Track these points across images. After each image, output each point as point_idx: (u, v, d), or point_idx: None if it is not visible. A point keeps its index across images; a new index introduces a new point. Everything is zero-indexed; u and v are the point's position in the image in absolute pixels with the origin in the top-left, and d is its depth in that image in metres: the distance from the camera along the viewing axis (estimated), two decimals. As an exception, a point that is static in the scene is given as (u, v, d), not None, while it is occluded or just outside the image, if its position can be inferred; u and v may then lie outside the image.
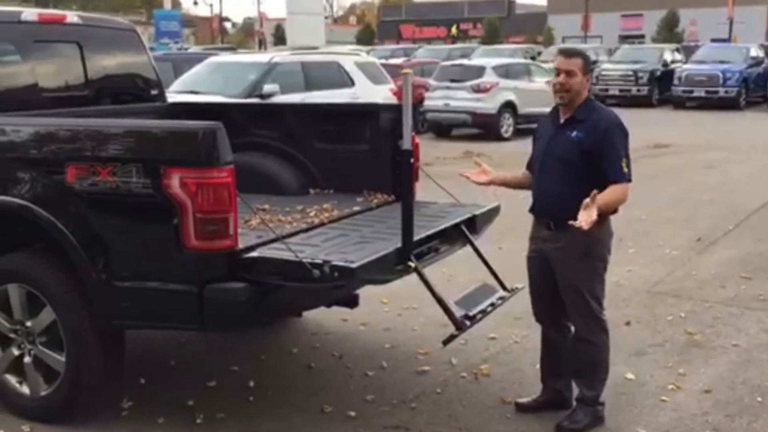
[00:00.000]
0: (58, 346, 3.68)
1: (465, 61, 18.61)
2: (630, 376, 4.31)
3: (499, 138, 16.10)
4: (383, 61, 17.30)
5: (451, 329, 3.63)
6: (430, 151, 14.03)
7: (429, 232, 3.84)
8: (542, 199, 3.70)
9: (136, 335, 4.43)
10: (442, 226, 3.98)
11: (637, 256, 6.77)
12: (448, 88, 16.64)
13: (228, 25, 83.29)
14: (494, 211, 4.50)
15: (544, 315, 3.82)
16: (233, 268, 3.33)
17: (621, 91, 23.50)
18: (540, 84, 17.55)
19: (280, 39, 46.20)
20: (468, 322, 3.58)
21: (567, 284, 3.62)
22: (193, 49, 24.96)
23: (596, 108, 3.63)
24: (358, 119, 4.82)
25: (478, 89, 16.37)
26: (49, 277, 3.63)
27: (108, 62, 4.99)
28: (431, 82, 16.95)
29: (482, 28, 51.37)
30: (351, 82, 11.54)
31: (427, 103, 16.65)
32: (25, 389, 3.82)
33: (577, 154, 3.54)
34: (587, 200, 3.31)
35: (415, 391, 4.16)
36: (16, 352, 3.81)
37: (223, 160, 3.31)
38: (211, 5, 61.25)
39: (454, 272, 5.50)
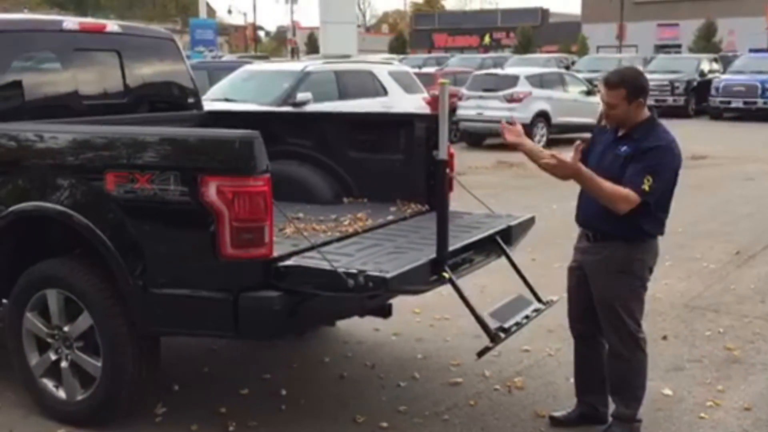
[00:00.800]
0: (95, 352, 3.71)
1: (498, 71, 18.57)
2: (667, 392, 4.24)
3: (533, 148, 15.98)
4: (416, 70, 17.29)
5: (485, 341, 3.60)
6: (462, 160, 13.99)
7: (464, 243, 3.82)
8: (585, 209, 3.64)
9: (170, 342, 4.46)
10: (477, 237, 3.95)
11: (674, 270, 6.67)
12: (480, 97, 16.61)
13: (261, 33, 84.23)
14: (529, 222, 4.47)
15: (580, 328, 3.77)
16: (268, 277, 3.34)
17: (656, 101, 23.19)
18: (574, 94, 17.46)
19: (312, 47, 46.50)
20: (502, 335, 3.54)
21: (602, 299, 3.57)
22: (227, 57, 25.22)
23: (654, 130, 3.49)
24: (392, 128, 4.82)
25: (511, 99, 16.32)
26: (86, 283, 3.66)
27: (146, 70, 5.05)
28: (464, 91, 16.92)
29: (515, 37, 51.15)
30: (384, 91, 11.55)
31: (460, 112, 16.63)
32: (62, 393, 3.85)
33: (619, 170, 3.44)
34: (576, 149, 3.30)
35: (447, 403, 4.13)
36: (53, 356, 3.85)
37: (260, 169, 3.33)
38: (245, 14, 61.81)
39: (487, 283, 5.47)
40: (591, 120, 16.68)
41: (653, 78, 23.83)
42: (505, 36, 56.32)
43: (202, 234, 3.35)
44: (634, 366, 3.61)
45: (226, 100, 9.97)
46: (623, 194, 3.35)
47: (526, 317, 3.75)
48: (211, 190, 3.30)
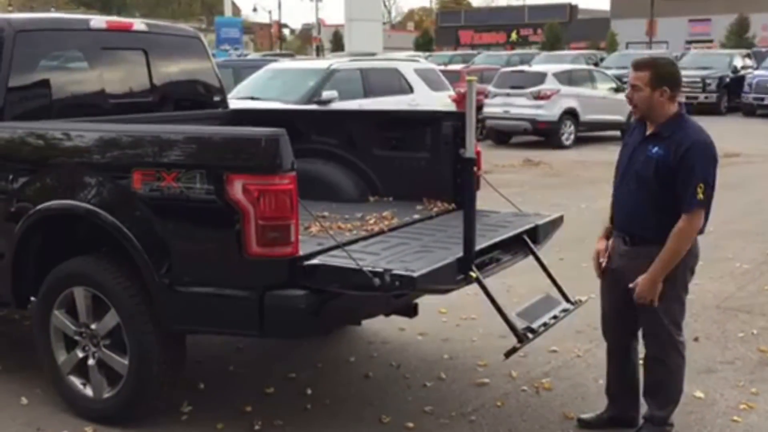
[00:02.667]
0: (122, 349, 3.71)
1: (525, 68, 18.40)
2: (699, 394, 4.16)
3: (560, 146, 15.88)
4: (441, 67, 17.21)
5: (512, 341, 3.54)
6: (489, 158, 13.92)
7: (490, 242, 3.77)
8: (619, 212, 3.56)
9: (196, 340, 4.46)
10: (505, 236, 3.90)
11: (706, 270, 6.50)
12: (507, 95, 16.48)
13: (286, 31, 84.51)
14: (557, 222, 4.41)
15: (613, 330, 3.69)
16: (294, 275, 3.32)
17: (688, 98, 22.81)
18: (603, 91, 17.28)
19: (337, 45, 46.54)
20: (530, 335, 3.49)
21: (641, 303, 3.49)
22: (253, 55, 25.32)
23: (684, 125, 3.39)
24: (419, 126, 4.78)
25: (538, 96, 16.18)
26: (113, 281, 3.66)
27: (172, 69, 5.06)
28: (490, 88, 16.81)
29: (543, 34, 50.77)
30: (410, 89, 11.50)
31: (487, 110, 16.53)
32: (89, 391, 3.87)
33: (653, 173, 3.35)
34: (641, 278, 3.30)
35: (474, 404, 4.08)
36: (80, 354, 3.86)
37: (285, 167, 3.31)
38: (270, 12, 62.06)
39: (514, 282, 5.41)
40: (620, 117, 16.50)
41: (685, 74, 23.47)
42: (533, 33, 55.90)
43: (227, 232, 3.34)
44: (672, 370, 3.52)
45: (252, 98, 9.98)
46: (689, 222, 3.30)
47: (554, 317, 3.69)
48: (237, 189, 3.29)
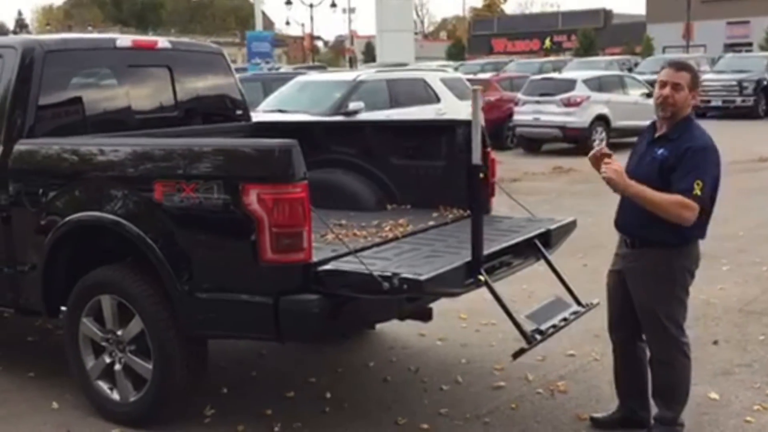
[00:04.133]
0: (146, 355, 3.87)
1: (555, 75, 18.39)
2: (714, 395, 4.18)
3: (591, 152, 15.79)
4: (470, 76, 17.28)
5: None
6: (519, 166, 13.95)
7: (500, 246, 3.86)
8: (623, 214, 3.63)
9: (220, 347, 4.62)
10: (514, 241, 3.98)
11: (731, 274, 6.53)
12: (537, 102, 16.48)
13: (320, 43, 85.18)
14: (570, 226, 4.47)
15: (619, 332, 3.76)
16: (307, 281, 3.44)
17: (724, 102, 22.62)
18: (635, 96, 17.17)
19: (370, 56, 46.85)
20: (538, 336, 3.56)
21: (642, 305, 3.55)
22: (284, 68, 25.66)
23: (691, 128, 3.47)
24: (434, 135, 4.88)
25: (568, 103, 16.15)
26: (137, 289, 3.82)
27: (196, 84, 5.23)
28: (520, 96, 16.83)
29: (576, 40, 50.51)
30: (437, 99, 11.61)
31: (516, 117, 16.55)
32: (116, 395, 4.02)
33: (657, 174, 3.42)
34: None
35: (489, 406, 4.16)
36: (107, 359, 4.02)
37: (298, 176, 3.44)
38: (302, 25, 62.68)
39: (535, 288, 5.46)
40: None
41: (720, 78, 23.23)
42: (566, 39, 55.62)
43: (244, 240, 3.47)
44: (677, 371, 3.57)
45: (279, 111, 10.17)
46: (679, 201, 3.30)
47: (564, 320, 3.76)
48: (252, 198, 3.42)
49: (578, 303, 3.97)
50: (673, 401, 3.60)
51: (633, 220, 3.53)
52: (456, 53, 53.21)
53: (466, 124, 4.76)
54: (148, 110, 4.93)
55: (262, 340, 3.78)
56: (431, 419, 4.01)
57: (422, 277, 3.25)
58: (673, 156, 3.40)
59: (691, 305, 5.65)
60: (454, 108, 11.74)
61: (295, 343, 5.06)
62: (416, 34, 57.07)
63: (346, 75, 11.86)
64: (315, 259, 3.51)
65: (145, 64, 4.93)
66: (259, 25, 25.21)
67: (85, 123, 4.52)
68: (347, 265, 3.47)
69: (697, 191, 3.31)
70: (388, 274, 3.29)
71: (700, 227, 3.48)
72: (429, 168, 4.84)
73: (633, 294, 3.57)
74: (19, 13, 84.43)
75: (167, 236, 3.68)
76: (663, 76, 3.47)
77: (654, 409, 3.72)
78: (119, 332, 3.95)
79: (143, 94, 4.92)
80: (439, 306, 4.86)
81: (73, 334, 4.09)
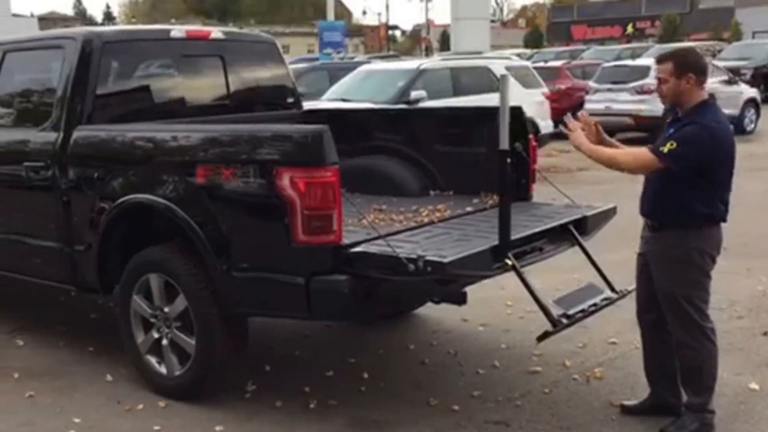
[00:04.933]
0: (190, 331, 4.06)
1: (628, 62, 17.99)
2: (754, 386, 4.12)
3: (664, 141, 15.42)
4: (541, 64, 17.07)
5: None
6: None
7: (531, 231, 3.89)
8: (644, 197, 3.66)
9: (268, 328, 4.80)
10: (546, 226, 4.00)
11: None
12: (609, 90, 16.14)
13: (397, 33, 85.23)
14: (609, 213, 4.45)
15: (646, 316, 3.76)
16: (338, 262, 3.56)
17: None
18: (714, 83, 16.61)
19: (445, 45, 46.64)
20: (564, 320, 3.58)
21: (662, 289, 3.56)
22: (359, 57, 25.88)
23: (702, 112, 3.47)
24: (475, 122, 4.92)
25: (641, 91, 15.75)
26: (182, 268, 4.01)
27: (248, 73, 5.40)
28: (591, 84, 16.54)
29: (661, 26, 49.03)
30: (501, 87, 11.52)
31: (587, 106, 16.17)
32: (163, 369, 4.23)
33: None
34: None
35: (522, 390, 4.20)
36: (155, 335, 4.23)
37: (329, 161, 3.55)
38: (378, 14, 62.88)
39: (584, 276, 5.43)
40: (733, 111, 15.86)
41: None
42: (650, 25, 54.05)
43: (277, 222, 3.61)
44: (702, 356, 3.56)
45: (343, 99, 10.31)
46: (644, 157, 3.45)
47: (594, 305, 3.77)
48: (285, 181, 3.56)
49: (612, 289, 3.96)
50: (700, 387, 3.58)
51: (651, 203, 3.57)
52: (533, 41, 52.47)
53: (510, 111, 4.80)
54: (201, 99, 5.14)
55: (295, 318, 3.92)
56: (463, 401, 4.08)
57: (445, 260, 3.33)
58: (674, 133, 3.43)
59: (746, 296, 5.64)
60: (518, 96, 11.62)
61: (338, 326, 5.23)
62: (493, 21, 56.42)
63: (410, 64, 11.90)
64: (347, 241, 3.63)
65: (199, 54, 5.12)
66: (331, 15, 25.42)
67: (141, 111, 4.75)
68: (376, 247, 3.57)
69: (665, 149, 3.36)
70: (414, 256, 3.38)
71: (713, 207, 3.47)
72: (471, 154, 4.89)
73: (654, 277, 3.58)
74: (107, 6, 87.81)
75: (208, 218, 3.85)
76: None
77: (685, 397, 3.70)
78: (166, 309, 4.15)
79: (196, 84, 5.13)
80: (486, 293, 4.93)
81: (125, 310, 4.32)
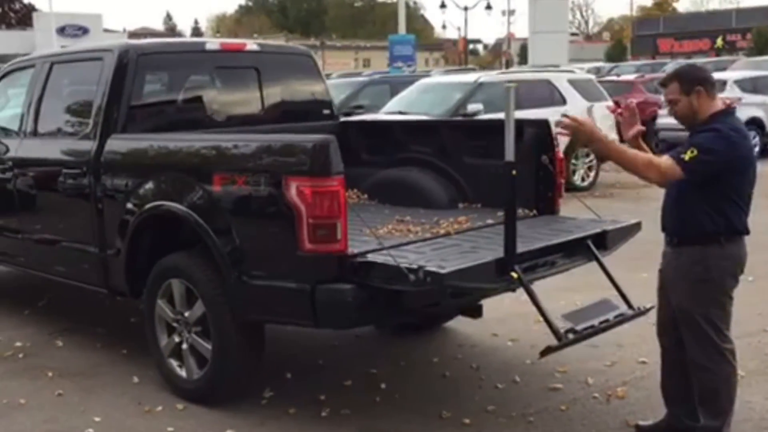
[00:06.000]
0: (208, 336, 4.14)
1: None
2: (783, 410, 3.92)
3: (742, 157, 14.84)
4: (613, 77, 16.72)
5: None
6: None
7: (543, 245, 3.82)
8: (664, 213, 3.53)
9: (294, 337, 4.85)
10: (559, 240, 3.92)
11: None
12: (683, 104, 15.67)
13: (479, 47, 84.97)
14: (632, 228, 4.33)
15: (665, 335, 3.62)
16: (343, 271, 3.57)
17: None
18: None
19: (525, 58, 46.21)
20: (571, 336, 3.49)
21: (680, 308, 3.42)
22: (434, 71, 25.90)
23: (723, 119, 3.34)
24: (503, 134, 4.85)
25: (717, 105, 15.25)
26: (201, 274, 4.10)
27: (283, 85, 5.50)
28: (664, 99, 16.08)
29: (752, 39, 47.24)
30: (563, 100, 11.35)
31: (660, 121, 15.80)
32: (183, 372, 4.33)
33: None
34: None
35: (538, 407, 4.11)
36: (176, 339, 4.34)
37: (334, 171, 3.58)
38: (458, 28, 62.83)
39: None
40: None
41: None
42: (741, 38, 52.17)
43: (286, 230, 3.65)
44: (720, 378, 3.40)
45: (400, 112, 10.34)
46: (662, 164, 3.23)
47: (606, 321, 3.66)
48: (293, 190, 3.60)
49: (629, 306, 3.84)
50: (717, 410, 3.42)
51: (671, 217, 3.44)
52: (616, 54, 51.35)
53: (534, 124, 4.75)
54: (235, 110, 5.25)
55: (302, 326, 3.95)
56: (476, 415, 4.02)
57: (443, 271, 3.30)
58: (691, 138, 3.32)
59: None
60: (581, 110, 11.43)
61: (367, 337, 5.24)
62: (575, 35, 55.55)
63: (468, 77, 11.85)
64: (356, 250, 3.64)
65: (234, 66, 5.25)
66: (402, 28, 25.53)
67: (174, 122, 4.90)
68: (379, 257, 3.57)
69: (686, 156, 3.20)
70: (415, 266, 3.37)
71: (734, 219, 3.32)
72: (499, 167, 4.80)
73: (671, 295, 3.44)
74: (195, 22, 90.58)
75: (224, 225, 3.92)
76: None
77: (701, 419, 3.55)
78: (186, 314, 4.24)
79: (230, 95, 5.25)
80: (522, 308, 4.82)
81: (150, 314, 4.44)
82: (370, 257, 3.59)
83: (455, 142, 5.12)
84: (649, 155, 3.37)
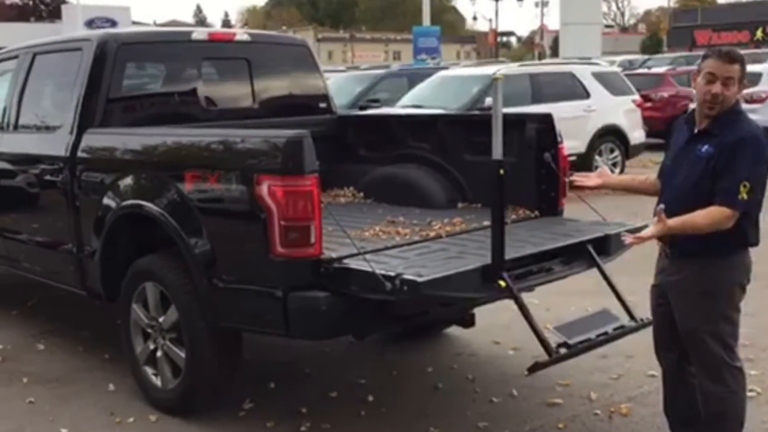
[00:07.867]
0: (182, 344, 3.89)
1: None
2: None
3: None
4: (644, 70, 16.22)
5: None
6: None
7: (534, 250, 3.51)
8: (659, 216, 3.18)
9: (286, 344, 4.58)
10: (554, 245, 3.60)
11: None
12: (717, 97, 15.13)
13: (513, 39, 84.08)
14: (638, 231, 3.96)
15: (666, 354, 3.29)
16: (318, 277, 3.30)
17: None
18: None
19: (557, 51, 45.48)
20: (563, 350, 3.18)
21: (684, 323, 3.09)
22: (463, 63, 25.50)
23: (736, 119, 3.01)
24: (504, 130, 4.53)
25: (750, 99, 14.67)
26: (173, 278, 3.85)
27: (276, 77, 5.23)
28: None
29: (794, 30, 46.00)
30: (586, 94, 10.94)
31: (692, 114, 15.31)
32: (158, 381, 4.08)
33: (702, 174, 2.97)
34: (658, 216, 2.83)
35: (533, 424, 3.81)
36: (151, 346, 4.09)
37: (308, 169, 3.30)
38: (489, 20, 62.17)
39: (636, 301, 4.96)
40: None
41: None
42: (781, 30, 50.82)
43: (257, 232, 3.39)
44: (728, 399, 3.07)
45: (415, 106, 10.03)
46: (723, 214, 2.90)
47: (604, 334, 3.33)
48: (264, 189, 3.33)
49: (631, 317, 3.51)
50: (724, 432, 3.09)
51: None
52: (651, 46, 50.37)
53: (536, 119, 4.43)
54: (224, 103, 4.98)
55: (274, 335, 3.68)
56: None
57: (420, 279, 3.01)
58: (719, 151, 2.94)
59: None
60: (605, 104, 11.04)
61: (360, 344, 4.95)
62: (610, 27, 54.51)
63: (485, 70, 11.49)
64: (334, 255, 3.37)
65: (222, 57, 4.98)
66: (426, 20, 25.11)
67: (157, 115, 4.65)
68: (355, 263, 3.29)
69: (743, 195, 2.86)
70: (392, 274, 3.08)
71: (749, 231, 2.98)
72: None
73: (675, 311, 3.10)
74: (226, 15, 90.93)
75: (195, 225, 3.67)
76: (711, 68, 2.96)
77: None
78: (161, 319, 4.00)
79: (219, 88, 4.99)
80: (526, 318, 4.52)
81: (125, 319, 4.21)
82: (347, 263, 3.30)
83: (456, 139, 4.81)
84: (698, 213, 2.93)
